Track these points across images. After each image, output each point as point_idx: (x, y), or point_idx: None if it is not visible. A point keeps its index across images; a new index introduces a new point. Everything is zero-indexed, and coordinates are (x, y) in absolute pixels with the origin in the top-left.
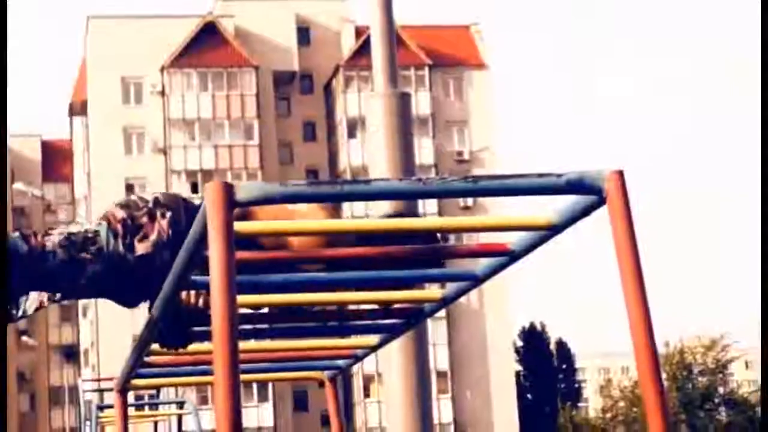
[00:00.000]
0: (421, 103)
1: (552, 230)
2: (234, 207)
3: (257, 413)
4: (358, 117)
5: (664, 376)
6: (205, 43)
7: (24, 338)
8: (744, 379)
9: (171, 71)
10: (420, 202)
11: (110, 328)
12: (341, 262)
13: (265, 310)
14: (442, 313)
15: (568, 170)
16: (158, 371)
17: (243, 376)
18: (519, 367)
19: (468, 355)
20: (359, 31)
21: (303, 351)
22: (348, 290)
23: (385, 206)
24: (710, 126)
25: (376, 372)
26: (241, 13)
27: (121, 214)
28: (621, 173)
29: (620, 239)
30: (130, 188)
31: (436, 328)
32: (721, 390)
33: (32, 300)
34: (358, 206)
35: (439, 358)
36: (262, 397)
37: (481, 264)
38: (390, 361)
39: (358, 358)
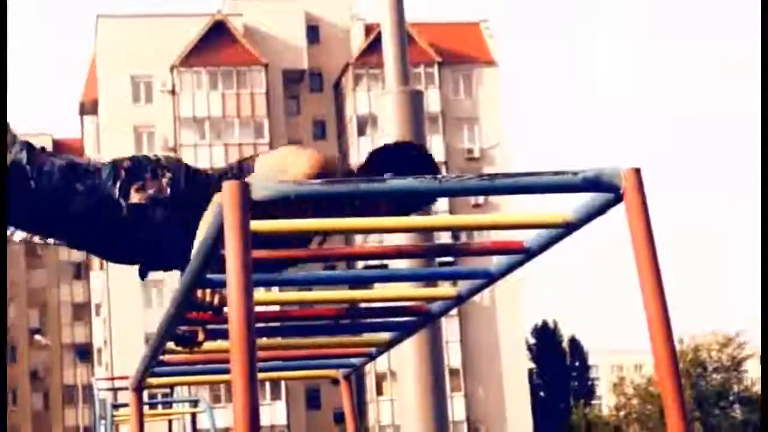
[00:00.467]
0: (430, 101)
1: (568, 228)
2: (250, 206)
3: (270, 411)
4: (368, 115)
5: None
6: (215, 42)
7: (37, 337)
8: (759, 376)
9: (181, 70)
10: None
11: (123, 327)
12: (356, 258)
13: (276, 307)
14: (454, 310)
15: (583, 168)
16: (173, 370)
17: (259, 375)
18: (532, 365)
19: (480, 352)
20: (368, 29)
21: (317, 349)
22: (362, 287)
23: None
24: (728, 122)
25: (388, 370)
26: (250, 12)
27: (127, 163)
28: (638, 170)
29: (638, 237)
30: None
31: (449, 326)
32: (735, 388)
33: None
34: None
35: (451, 355)
36: (275, 396)
37: (496, 262)
38: (404, 359)
39: (372, 356)
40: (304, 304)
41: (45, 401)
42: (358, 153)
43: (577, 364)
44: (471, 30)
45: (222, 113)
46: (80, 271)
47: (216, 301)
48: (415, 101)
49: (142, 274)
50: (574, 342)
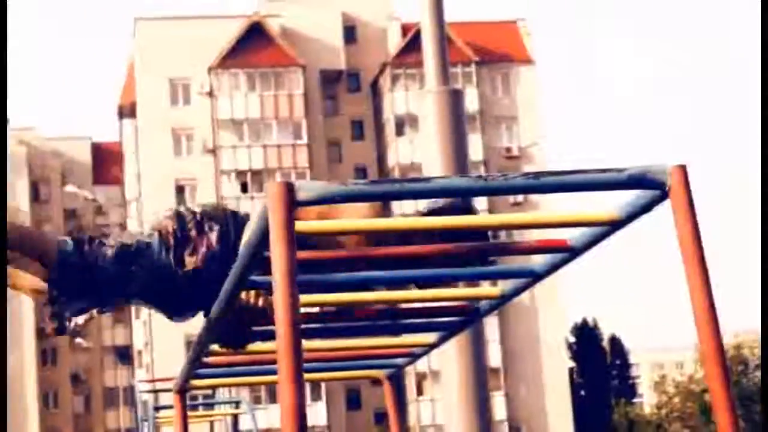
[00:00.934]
0: (468, 100)
1: (613, 226)
2: (295, 207)
3: (310, 412)
4: (405, 115)
5: None
6: (252, 44)
7: (77, 340)
8: None
9: (218, 72)
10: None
11: (163, 329)
12: (398, 259)
13: (316, 309)
14: None
15: (627, 165)
16: (216, 371)
17: (304, 376)
18: (572, 364)
19: (520, 351)
20: (405, 29)
21: (361, 350)
22: (406, 288)
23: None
24: None
25: (428, 370)
26: (287, 13)
27: (171, 226)
28: (684, 167)
29: (684, 234)
30: (180, 189)
31: (488, 325)
32: None
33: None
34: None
35: (491, 355)
36: (315, 396)
37: (540, 260)
38: (447, 359)
39: (416, 356)
40: (347, 305)
41: (86, 404)
42: (397, 153)
43: (617, 362)
44: (508, 29)
45: (260, 115)
46: None
47: (260, 303)
48: (455, 100)
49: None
50: (614, 340)
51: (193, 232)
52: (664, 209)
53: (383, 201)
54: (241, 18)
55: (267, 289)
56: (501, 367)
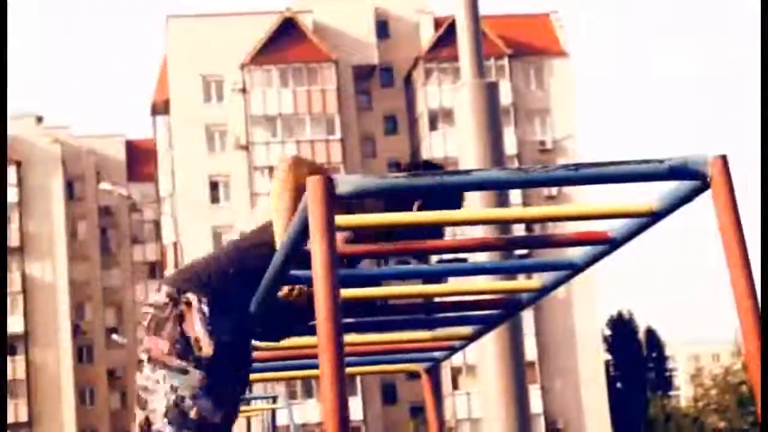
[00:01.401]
0: (501, 93)
1: (653, 217)
2: (335, 201)
3: None
4: (439, 109)
5: None
6: (284, 39)
7: (114, 337)
8: None
9: (251, 68)
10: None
11: None
12: (442, 251)
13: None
14: None
15: (667, 156)
16: (255, 366)
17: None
18: (608, 356)
19: (556, 344)
20: (438, 23)
21: (399, 344)
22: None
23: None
24: None
25: (464, 364)
26: (319, 8)
27: (163, 346)
28: (725, 158)
29: (725, 225)
30: (213, 186)
31: (524, 318)
32: None
33: None
34: None
35: (527, 348)
36: (351, 391)
37: (580, 252)
38: (484, 353)
39: (455, 350)
40: (385, 298)
41: (122, 400)
42: (430, 147)
43: (653, 355)
44: (541, 21)
45: (293, 110)
46: (155, 271)
47: (298, 296)
48: (490, 93)
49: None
50: (650, 333)
51: (169, 328)
52: (701, 200)
53: (423, 193)
54: (274, 14)
55: (305, 283)
56: (536, 361)
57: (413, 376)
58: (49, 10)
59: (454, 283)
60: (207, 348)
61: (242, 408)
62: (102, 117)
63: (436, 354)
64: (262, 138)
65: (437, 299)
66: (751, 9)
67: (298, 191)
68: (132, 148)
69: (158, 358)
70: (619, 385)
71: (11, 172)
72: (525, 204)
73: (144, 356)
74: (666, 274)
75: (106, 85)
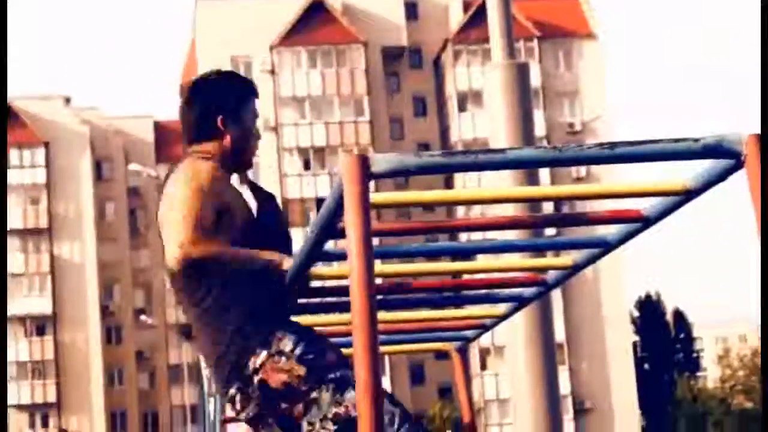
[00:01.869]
0: (530, 75)
1: (687, 195)
2: (370, 179)
3: None
4: (468, 90)
5: None
6: (314, 21)
7: (143, 317)
8: None
9: (280, 49)
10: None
11: None
12: (474, 229)
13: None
14: None
15: (704, 135)
16: None
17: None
18: (635, 338)
19: (583, 326)
20: (467, 5)
21: (430, 322)
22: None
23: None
24: None
25: (492, 345)
26: None
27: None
28: (759, 137)
29: (759, 203)
30: None
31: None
32: None
33: None
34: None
35: (555, 329)
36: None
37: (613, 230)
38: (515, 333)
39: (486, 328)
40: (417, 276)
41: (151, 380)
42: (459, 129)
43: (681, 336)
44: (570, 3)
45: (322, 92)
46: None
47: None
48: (521, 74)
49: None
50: (678, 314)
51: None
52: (732, 181)
53: (457, 172)
54: None
55: (340, 259)
56: (564, 342)
57: (441, 356)
58: None
59: (484, 261)
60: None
61: None
62: (131, 98)
63: (467, 333)
64: (290, 119)
65: (468, 277)
66: None
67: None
68: (160, 129)
69: None
70: (646, 366)
71: (40, 153)
72: (554, 185)
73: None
74: (694, 255)
75: (135, 65)
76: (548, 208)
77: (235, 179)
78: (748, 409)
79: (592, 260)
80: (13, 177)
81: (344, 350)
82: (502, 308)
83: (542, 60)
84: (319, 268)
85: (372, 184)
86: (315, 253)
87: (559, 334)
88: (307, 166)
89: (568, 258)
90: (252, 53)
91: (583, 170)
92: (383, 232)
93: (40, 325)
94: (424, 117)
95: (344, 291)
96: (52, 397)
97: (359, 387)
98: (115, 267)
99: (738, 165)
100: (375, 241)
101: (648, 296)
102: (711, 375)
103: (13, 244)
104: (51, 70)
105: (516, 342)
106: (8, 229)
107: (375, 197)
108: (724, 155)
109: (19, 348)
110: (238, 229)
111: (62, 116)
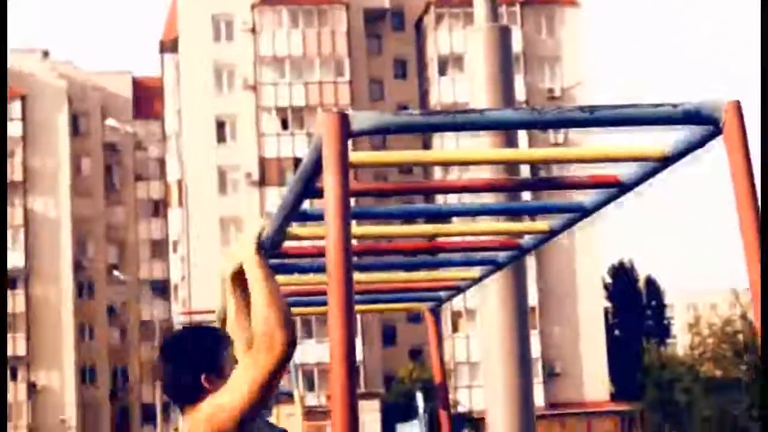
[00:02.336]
0: (512, 40)
1: (665, 161)
2: (349, 137)
3: None
4: (449, 55)
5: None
6: None
7: (115, 273)
8: None
9: (262, 8)
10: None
11: (201, 264)
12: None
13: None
14: None
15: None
16: None
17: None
18: (607, 304)
19: (556, 291)
20: None
21: (404, 283)
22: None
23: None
24: None
25: (464, 308)
26: None
27: None
28: (738, 103)
29: (737, 170)
30: (220, 125)
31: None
32: None
33: None
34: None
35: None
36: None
37: (590, 196)
38: (487, 296)
39: (460, 290)
40: (393, 238)
41: (122, 336)
42: (439, 92)
43: (653, 303)
44: None
45: (302, 52)
46: (158, 209)
47: None
48: (503, 37)
49: None
50: (650, 282)
51: None
52: (709, 149)
53: (436, 132)
54: None
55: (318, 219)
56: (537, 306)
57: (414, 319)
58: None
59: (460, 224)
60: None
61: None
62: (110, 54)
63: (441, 294)
64: (270, 79)
65: (443, 240)
66: None
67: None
68: (139, 85)
69: None
70: (617, 332)
71: (16, 106)
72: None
73: None
74: (668, 223)
75: (115, 21)
76: (525, 174)
77: None
78: (717, 376)
79: (568, 225)
80: None
81: (320, 309)
82: (476, 271)
83: (524, 25)
84: (296, 228)
85: (350, 145)
86: (292, 212)
87: (532, 299)
88: (285, 125)
89: (545, 223)
90: (233, 11)
91: (561, 137)
92: (361, 192)
93: (11, 279)
94: (404, 79)
95: (321, 252)
96: (21, 351)
97: (333, 345)
98: (89, 222)
99: (717, 131)
100: (351, 202)
101: (621, 263)
102: (681, 342)
103: None
104: (29, 23)
105: (488, 305)
106: None
107: (354, 156)
108: (703, 121)
109: None
110: None
111: (40, 70)
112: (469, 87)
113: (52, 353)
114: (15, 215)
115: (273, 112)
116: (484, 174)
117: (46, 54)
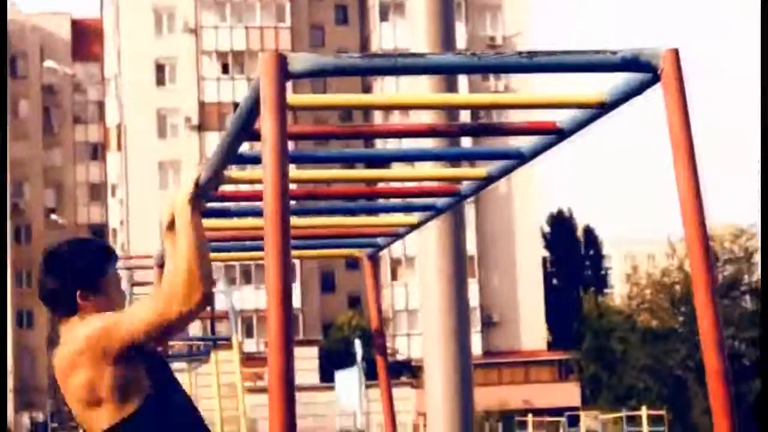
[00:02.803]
0: None
1: (603, 108)
2: (288, 78)
3: None
4: (390, 0)
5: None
6: None
7: (53, 217)
8: None
9: None
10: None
11: (139, 208)
12: (390, 135)
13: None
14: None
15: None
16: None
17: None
18: (546, 253)
19: (495, 239)
20: None
21: (342, 228)
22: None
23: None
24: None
25: (403, 255)
26: None
27: None
28: (676, 51)
29: (674, 119)
30: (160, 68)
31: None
32: (747, 278)
33: None
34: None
35: (466, 241)
36: (291, 277)
37: (528, 142)
38: (426, 244)
39: (399, 236)
40: (331, 183)
41: None
42: (380, 38)
43: (591, 253)
44: None
45: None
46: (97, 152)
47: None
48: None
49: None
50: (588, 231)
51: None
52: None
53: (377, 75)
54: None
55: (255, 162)
56: (475, 254)
57: (352, 266)
58: None
59: (399, 169)
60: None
61: None
62: None
63: (379, 240)
64: (211, 22)
65: (383, 185)
66: None
67: None
68: (78, 26)
69: None
70: (555, 281)
71: None
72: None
73: None
74: (609, 173)
75: None
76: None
77: None
78: (653, 327)
79: (506, 172)
80: None
81: (258, 254)
82: (415, 217)
83: None
84: (234, 171)
85: (290, 88)
86: (229, 155)
87: (471, 247)
88: (225, 70)
89: (483, 169)
90: None
91: (501, 85)
92: (299, 135)
93: None
94: (345, 25)
95: (257, 196)
96: None
97: (270, 291)
98: (26, 165)
99: (655, 79)
100: (290, 145)
101: (560, 212)
102: (618, 292)
103: None
104: None
105: (427, 252)
106: None
107: (292, 98)
108: (641, 69)
109: None
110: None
111: None
112: (410, 33)
113: None
114: None
115: (213, 56)
116: (425, 120)
117: None
